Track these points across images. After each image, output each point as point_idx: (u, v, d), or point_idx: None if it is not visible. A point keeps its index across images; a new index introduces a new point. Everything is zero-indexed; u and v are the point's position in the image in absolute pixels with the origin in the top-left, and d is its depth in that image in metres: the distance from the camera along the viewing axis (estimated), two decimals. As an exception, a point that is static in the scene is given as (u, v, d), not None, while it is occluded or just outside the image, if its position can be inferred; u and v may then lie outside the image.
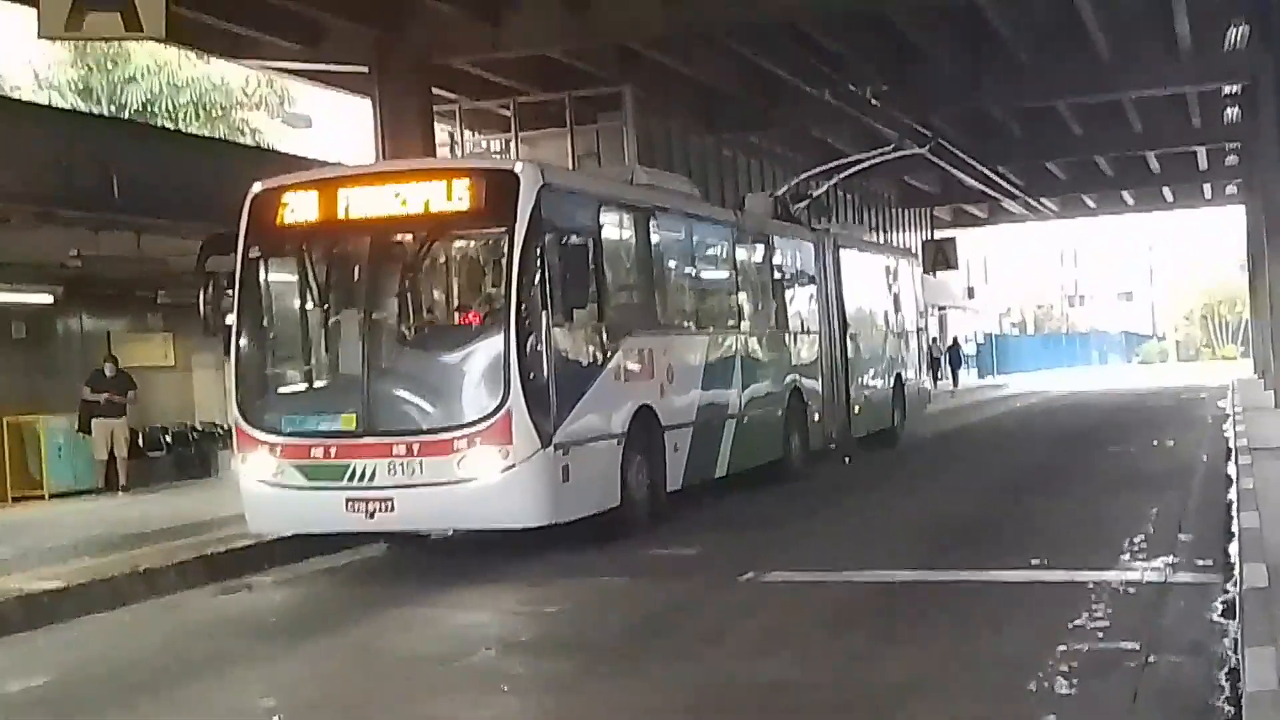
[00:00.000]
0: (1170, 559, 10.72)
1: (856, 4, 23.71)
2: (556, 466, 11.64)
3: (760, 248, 18.93)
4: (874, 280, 23.79)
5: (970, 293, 68.71)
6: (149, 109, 37.26)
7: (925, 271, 55.01)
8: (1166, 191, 53.32)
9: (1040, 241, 78.96)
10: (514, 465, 11.20)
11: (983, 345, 67.51)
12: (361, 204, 12.00)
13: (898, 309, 24.93)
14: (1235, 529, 11.09)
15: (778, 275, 19.31)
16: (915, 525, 13.82)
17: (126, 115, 35.28)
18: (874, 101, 24.70)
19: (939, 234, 53.37)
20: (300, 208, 12.19)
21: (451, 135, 26.63)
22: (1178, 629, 8.20)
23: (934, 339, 63.76)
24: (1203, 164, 45.52)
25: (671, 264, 16.06)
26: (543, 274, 11.63)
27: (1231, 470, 15.41)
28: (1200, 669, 7.16)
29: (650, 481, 13.62)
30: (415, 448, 11.28)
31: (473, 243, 12.89)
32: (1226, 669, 6.90)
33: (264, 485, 11.73)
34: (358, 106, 26.53)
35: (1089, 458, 20.72)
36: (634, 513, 13.07)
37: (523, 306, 11.32)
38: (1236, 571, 9.14)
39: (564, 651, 8.76)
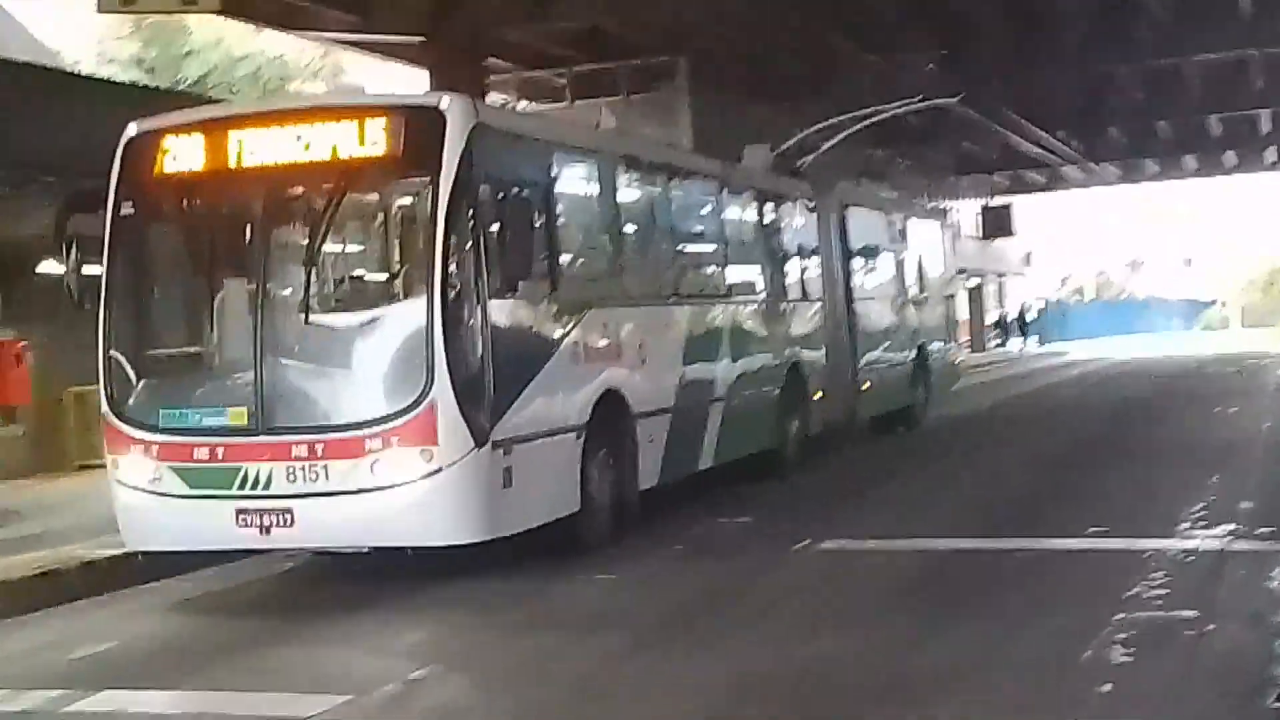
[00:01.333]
0: (1230, 527, 10.67)
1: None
2: (495, 469, 9.35)
3: (753, 206, 16.43)
4: (891, 242, 20.91)
5: (1028, 259, 68.37)
6: (205, 82, 37.61)
7: (985, 237, 55.12)
8: (1230, 155, 52.75)
9: (1100, 208, 78.04)
10: (439, 469, 8.96)
11: (1043, 312, 66.67)
12: (256, 149, 9.56)
13: (922, 274, 22.12)
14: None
15: (773, 237, 16.69)
16: (964, 492, 13.83)
17: (184, 89, 35.50)
18: (930, 66, 24.52)
19: (993, 202, 52.81)
20: (182, 154, 9.71)
21: (505, 105, 26.13)
22: (1237, 598, 8.23)
23: (1005, 309, 64.65)
24: (1265, 127, 45.03)
25: (645, 224, 13.43)
26: (476, 234, 9.38)
27: (1294, 440, 15.31)
28: (1260, 638, 7.16)
29: (618, 479, 11.36)
30: (319, 449, 9.02)
31: (390, 196, 10.59)
32: (1286, 639, 6.90)
33: (138, 493, 9.42)
34: (413, 77, 26.71)
35: (1149, 426, 20.59)
36: (596, 519, 10.85)
37: (450, 274, 9.07)
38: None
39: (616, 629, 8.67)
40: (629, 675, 7.43)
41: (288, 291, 9.44)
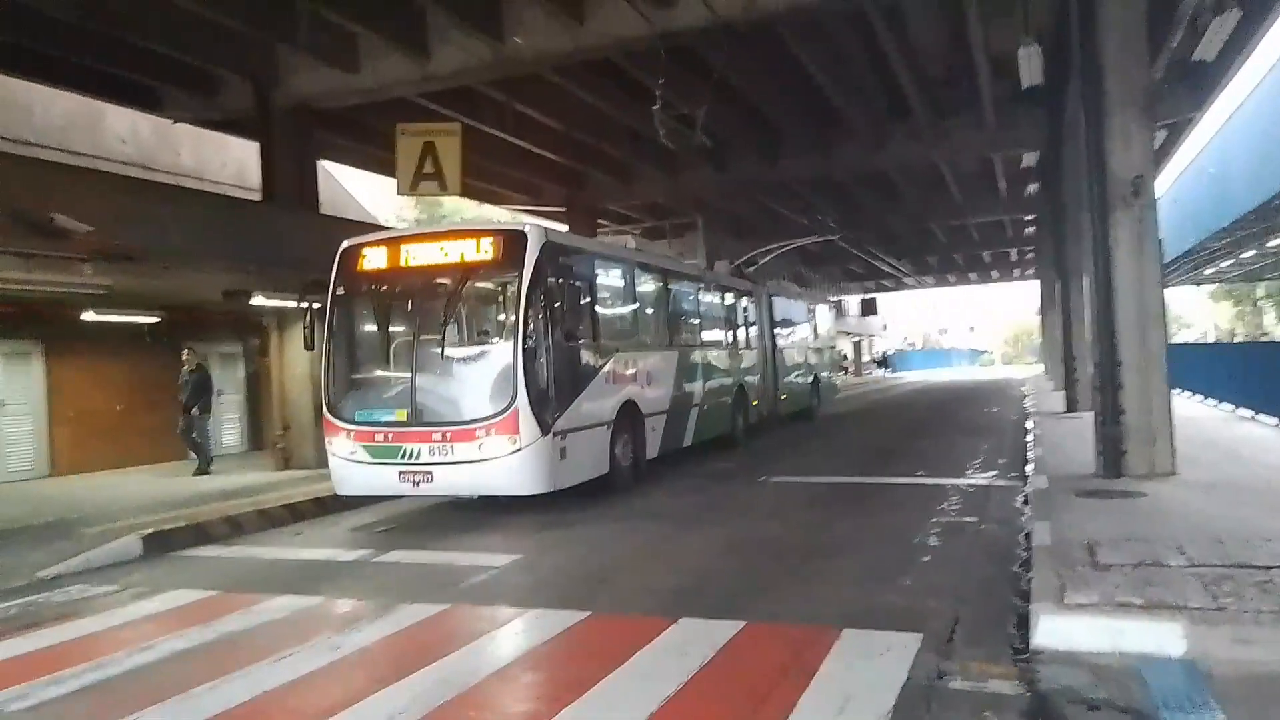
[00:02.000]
0: (993, 473, 10.52)
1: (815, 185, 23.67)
2: (555, 449, 8.78)
3: (718, 293, 15.17)
4: (798, 316, 19.61)
5: (885, 326, 68.17)
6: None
7: (863, 315, 55.26)
8: (995, 272, 52.31)
9: (923, 299, 77.59)
10: (520, 449, 8.48)
11: (894, 355, 67.59)
12: (415, 256, 9.23)
13: (816, 334, 20.82)
14: (1029, 456, 10.96)
15: (729, 311, 15.46)
16: (848, 453, 13.72)
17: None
18: (831, 225, 24.40)
19: (866, 295, 53.10)
20: (373, 258, 9.43)
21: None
22: (997, 510, 8.12)
23: (883, 351, 65.65)
24: (1014, 258, 44.66)
25: (652, 301, 12.37)
26: (545, 307, 8.79)
27: (1028, 425, 15.14)
28: (1009, 532, 7.12)
29: (634, 453, 10.61)
30: (449, 434, 8.61)
31: (494, 284, 9.73)
32: (1023, 533, 6.86)
33: (343, 461, 9.08)
34: (561, 227, 26.96)
35: (947, 417, 20.41)
36: (620, 477, 10.14)
37: (527, 331, 8.56)
38: (1029, 480, 9.09)
39: (654, 519, 8.71)
40: (669, 541, 7.46)
41: (432, 341, 8.94)
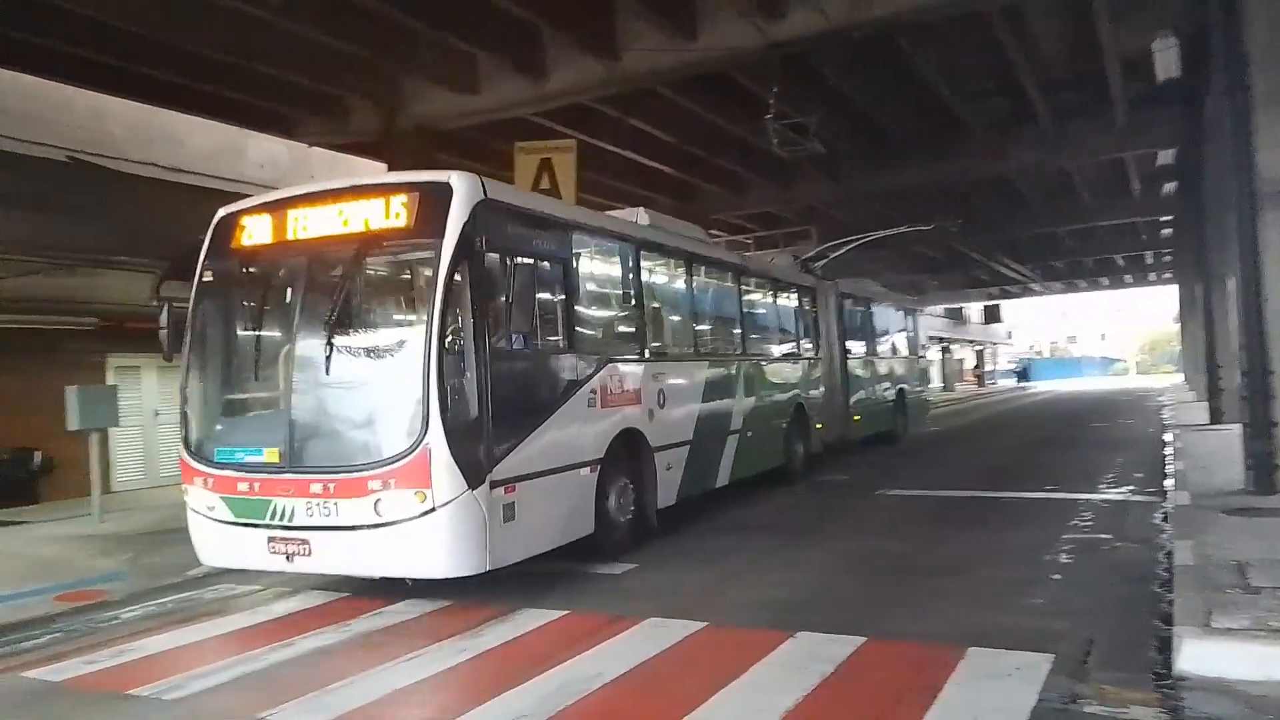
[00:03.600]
0: (1129, 488, 9.99)
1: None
2: (494, 507, 5.91)
3: (768, 289, 11.88)
4: (879, 320, 16.20)
5: (1009, 334, 65.69)
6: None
7: (986, 323, 53.47)
8: (1128, 277, 49.66)
9: (1050, 303, 74.44)
10: (433, 509, 5.68)
11: (1023, 365, 65.27)
12: (304, 225, 6.44)
13: (900, 342, 17.31)
14: (1168, 471, 10.37)
15: (784, 312, 12.32)
16: (969, 469, 13.21)
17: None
18: (953, 230, 23.55)
19: (989, 303, 51.33)
20: (252, 231, 6.59)
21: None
22: (1134, 528, 7.72)
23: (1019, 360, 63.12)
24: (1148, 261, 42.29)
25: (668, 296, 9.34)
26: (480, 295, 5.97)
27: (1166, 437, 14.32)
28: (1148, 551, 6.77)
29: (637, 502, 7.71)
30: (332, 486, 5.88)
31: (405, 262, 6.88)
32: (1164, 551, 6.51)
33: (201, 518, 6.48)
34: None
35: (1078, 428, 19.49)
36: (612, 537, 7.28)
37: (447, 330, 5.84)
38: (1169, 496, 8.60)
39: (769, 531, 8.59)
40: (784, 554, 7.36)
41: (315, 347, 6.13)
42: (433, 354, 5.66)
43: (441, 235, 5.87)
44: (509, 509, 6.02)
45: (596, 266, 8.11)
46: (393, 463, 5.70)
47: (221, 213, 6.83)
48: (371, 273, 6.72)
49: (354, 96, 14.47)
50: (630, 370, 7.81)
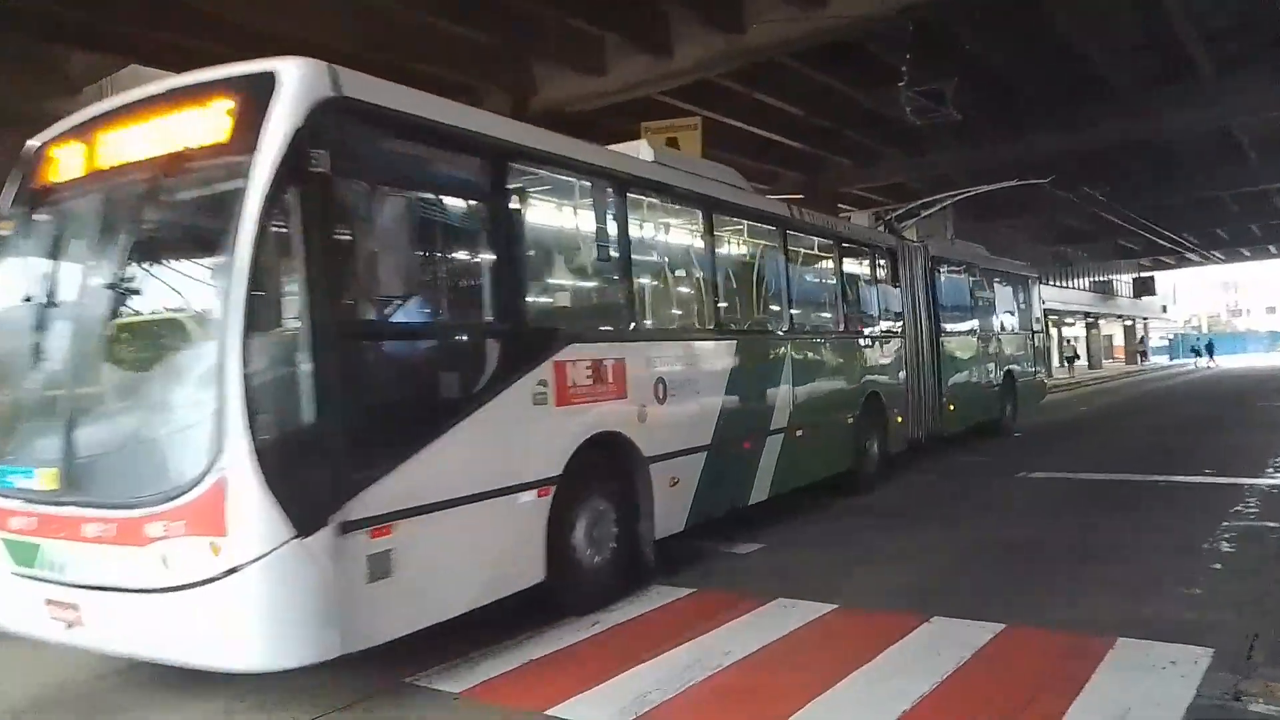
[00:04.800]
0: (1301, 472, 9.25)
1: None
2: (347, 562, 3.78)
3: (828, 250, 9.12)
4: (984, 289, 13.45)
5: (1164, 308, 61.54)
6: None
7: (1136, 296, 50.14)
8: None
9: (1211, 275, 69.31)
10: (234, 569, 3.57)
11: (1173, 341, 60.83)
12: (106, 154, 4.35)
13: (1009, 315, 14.53)
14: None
15: (851, 279, 9.57)
16: (1117, 452, 12.45)
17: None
18: (1100, 197, 22.28)
19: (1142, 275, 48.25)
20: (57, 165, 4.55)
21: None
22: (1306, 515, 7.15)
23: (1201, 337, 58.36)
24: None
25: (672, 255, 6.89)
26: (322, 243, 3.78)
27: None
28: (1321, 540, 6.24)
29: (623, 531, 5.60)
30: (111, 529, 3.79)
31: (217, 197, 4.00)
32: (1340, 541, 6.00)
33: None
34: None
35: (1240, 408, 18.12)
36: (579, 582, 5.24)
37: (259, 296, 3.64)
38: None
39: (899, 515, 8.30)
40: (915, 537, 7.11)
41: (102, 324, 4.18)
42: (232, 332, 3.53)
43: (253, 151, 3.70)
44: (379, 561, 3.90)
45: (554, 210, 5.97)
46: (177, 497, 3.63)
47: (30, 143, 4.74)
48: (176, 217, 4.34)
49: (487, 85, 14.82)
50: (608, 353, 5.50)
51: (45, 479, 4.08)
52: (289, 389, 3.69)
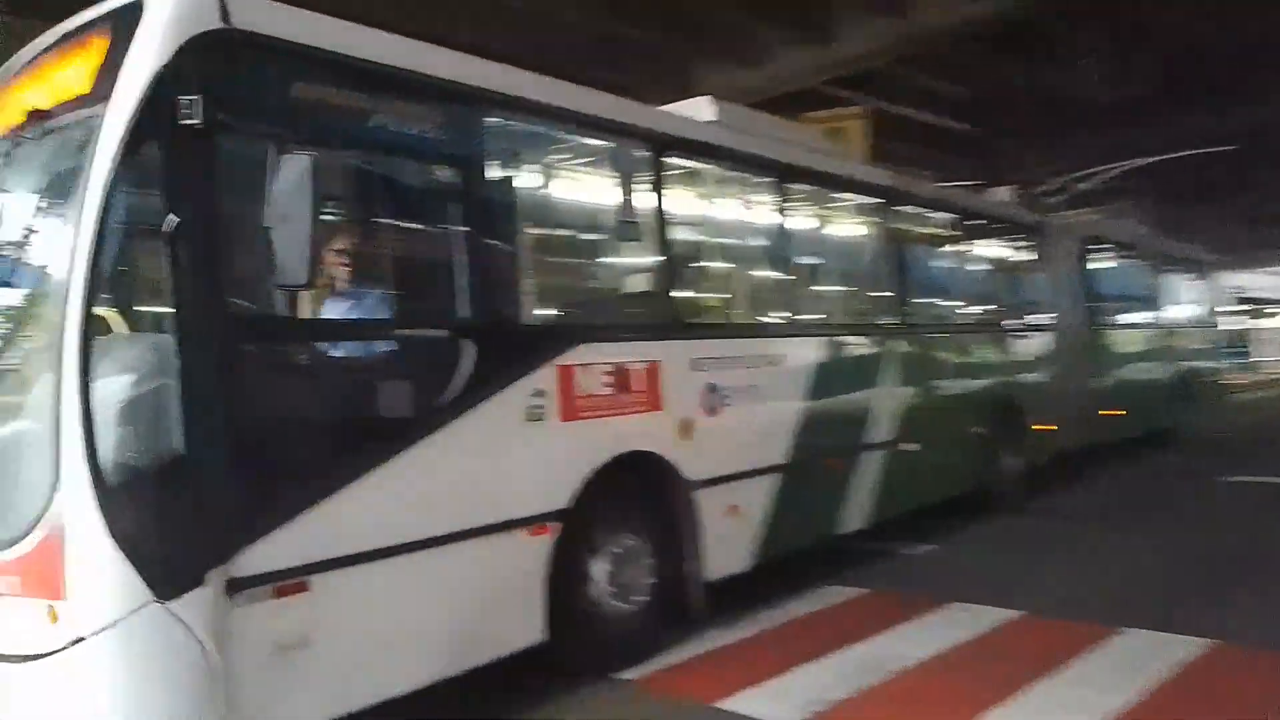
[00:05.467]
0: None
1: None
2: (239, 631, 2.82)
3: (951, 229, 7.70)
4: (1150, 278, 11.63)
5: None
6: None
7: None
8: None
9: None
10: (78, 639, 2.63)
11: None
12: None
13: (1189, 305, 12.75)
14: None
15: (982, 263, 8.40)
16: None
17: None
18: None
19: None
20: None
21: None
22: None
23: None
24: None
25: (733, 232, 5.95)
26: (193, 216, 2.80)
27: None
28: None
29: (663, 576, 4.54)
30: None
31: (68, 159, 3.02)
32: None
33: None
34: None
35: None
36: (594, 638, 4.20)
37: (102, 284, 2.76)
38: None
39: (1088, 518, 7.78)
40: (1101, 543, 6.64)
41: None
42: (69, 333, 2.75)
43: (105, 100, 2.90)
44: (289, 628, 3.03)
45: (558, 178, 4.96)
46: (8, 547, 2.84)
47: None
48: (31, 190, 3.35)
49: (645, 82, 14.99)
50: (636, 353, 4.48)
51: None
52: (147, 405, 2.78)
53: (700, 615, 4.77)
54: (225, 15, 3.03)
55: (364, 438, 3.37)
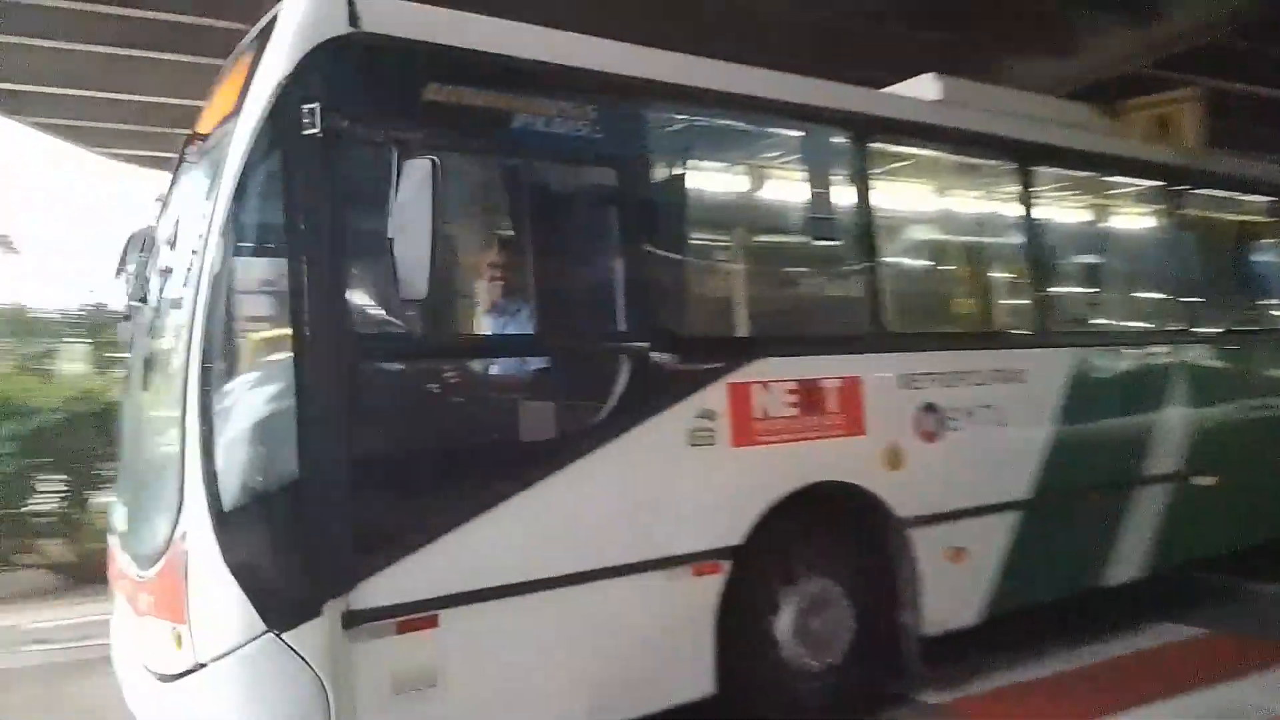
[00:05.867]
0: None
1: None
2: (355, 668, 2.72)
3: (1266, 215, 6.25)
4: None
5: None
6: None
7: None
8: None
9: None
10: (199, 666, 2.68)
11: None
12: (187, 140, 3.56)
13: None
14: None
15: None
16: None
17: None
18: None
19: None
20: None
21: None
22: None
23: None
24: None
25: (960, 226, 5.11)
26: (314, 230, 2.75)
27: None
28: None
29: (865, 622, 3.88)
30: (127, 589, 3.28)
31: (209, 178, 3.10)
32: None
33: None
34: None
35: None
36: (784, 696, 3.63)
37: (227, 305, 2.79)
38: None
39: None
40: None
41: (143, 347, 3.71)
42: (194, 354, 2.77)
43: (237, 117, 2.91)
44: (414, 666, 2.86)
45: (735, 171, 4.43)
46: (149, 566, 2.96)
47: None
48: (193, 209, 3.23)
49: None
50: (829, 369, 3.87)
51: (117, 520, 3.65)
52: (265, 427, 2.73)
53: (916, 675, 4.08)
54: (354, 19, 2.92)
55: (499, 463, 3.13)
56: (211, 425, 2.70)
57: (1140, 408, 5.04)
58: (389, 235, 2.71)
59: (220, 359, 2.78)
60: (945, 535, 4.12)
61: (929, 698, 4.04)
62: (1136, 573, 4.99)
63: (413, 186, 2.70)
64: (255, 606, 2.63)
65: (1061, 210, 5.44)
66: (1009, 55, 13.07)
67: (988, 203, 5.09)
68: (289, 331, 2.75)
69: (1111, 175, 5.52)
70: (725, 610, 3.46)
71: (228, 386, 2.76)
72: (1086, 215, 5.72)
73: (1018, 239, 4.87)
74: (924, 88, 4.82)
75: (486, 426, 3.28)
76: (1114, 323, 5.65)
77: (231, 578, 2.64)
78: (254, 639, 2.63)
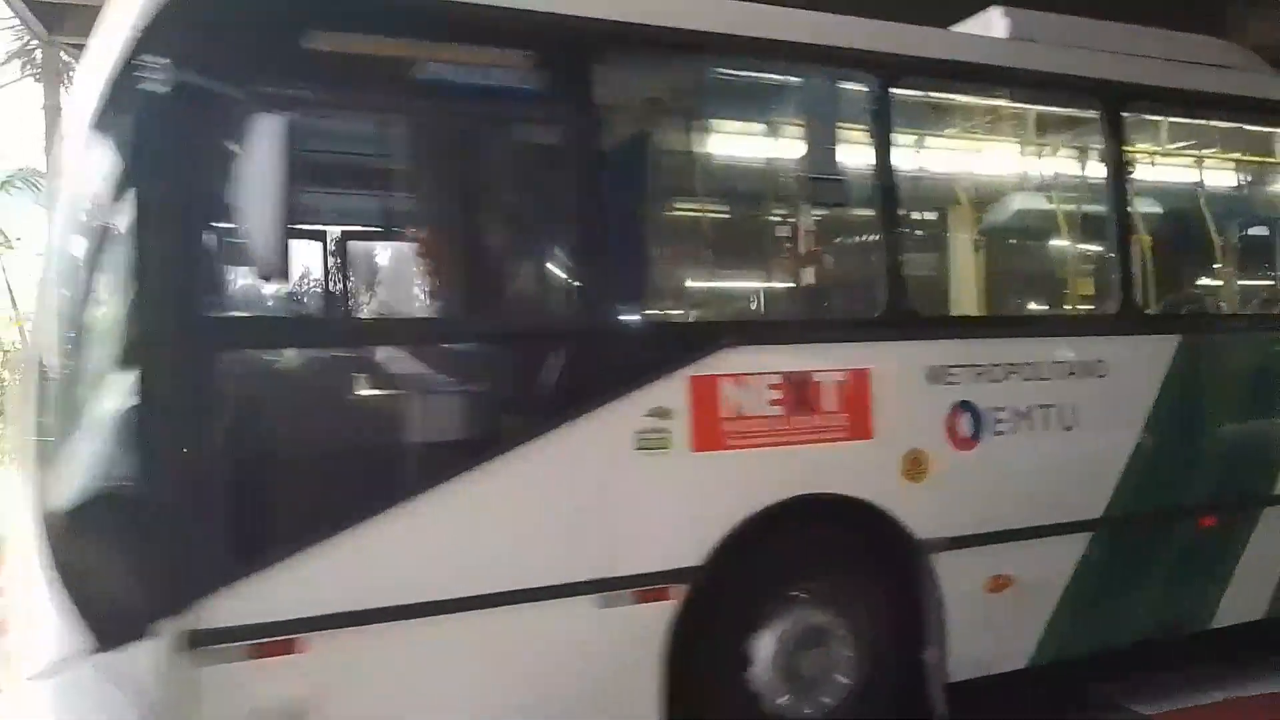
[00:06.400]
0: None
1: None
2: (198, 697, 2.32)
3: None
4: None
5: None
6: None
7: None
8: None
9: None
10: (25, 681, 2.42)
11: None
12: None
13: None
14: None
15: None
16: None
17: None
18: None
19: None
20: None
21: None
22: None
23: None
24: None
25: (1019, 184, 4.20)
26: (150, 196, 2.38)
27: None
28: None
29: (875, 669, 3.18)
30: None
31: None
32: None
33: None
34: None
35: None
36: None
37: (66, 292, 2.54)
38: None
39: None
40: None
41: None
42: (29, 343, 2.41)
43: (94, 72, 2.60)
44: (272, 698, 2.46)
45: (711, 125, 3.73)
46: None
47: None
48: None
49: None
50: (825, 359, 3.18)
51: None
52: (102, 420, 2.39)
53: None
54: None
55: (386, 465, 2.68)
56: (44, 411, 2.45)
57: (1262, 409, 4.09)
58: (243, 208, 2.32)
59: (55, 345, 2.50)
60: (985, 561, 3.38)
61: (1143, 709, 3.71)
62: (1255, 613, 4.04)
63: (263, 150, 2.29)
64: (75, 621, 2.31)
65: (1161, 166, 4.51)
66: (1244, 8, 11.64)
67: (1054, 156, 4.21)
68: (127, 316, 2.40)
69: (1230, 121, 4.44)
70: (679, 644, 2.89)
71: (65, 370, 2.47)
72: (1187, 170, 4.69)
73: (1091, 200, 3.99)
74: (991, 23, 3.96)
75: (369, 424, 2.80)
76: (1225, 304, 4.67)
77: (53, 590, 2.32)
78: (72, 657, 2.30)
